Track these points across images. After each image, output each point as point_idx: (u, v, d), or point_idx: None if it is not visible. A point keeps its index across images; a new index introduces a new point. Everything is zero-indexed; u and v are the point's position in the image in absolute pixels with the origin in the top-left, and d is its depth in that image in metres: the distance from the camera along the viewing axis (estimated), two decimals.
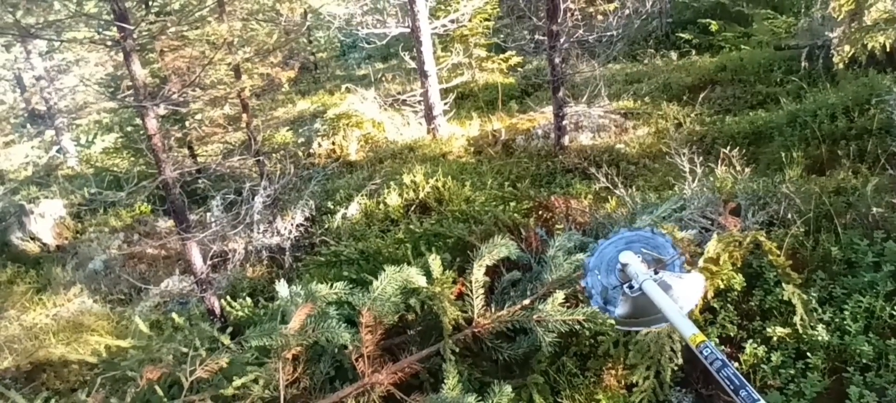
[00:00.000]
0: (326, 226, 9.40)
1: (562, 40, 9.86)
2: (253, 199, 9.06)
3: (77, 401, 4.83)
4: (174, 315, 5.56)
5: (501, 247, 5.45)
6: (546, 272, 5.42)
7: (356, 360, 4.90)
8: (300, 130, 15.02)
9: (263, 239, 9.42)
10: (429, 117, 13.13)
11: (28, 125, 23.18)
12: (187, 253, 6.53)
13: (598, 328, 4.60)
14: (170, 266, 10.46)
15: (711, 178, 6.83)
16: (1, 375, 8.39)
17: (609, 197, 7.47)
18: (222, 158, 9.58)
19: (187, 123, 11.46)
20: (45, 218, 12.32)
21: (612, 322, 4.48)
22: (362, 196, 9.33)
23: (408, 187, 9.02)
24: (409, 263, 6.04)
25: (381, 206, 9.00)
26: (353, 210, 9.22)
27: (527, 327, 4.97)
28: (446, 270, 5.27)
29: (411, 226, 7.46)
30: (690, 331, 1.63)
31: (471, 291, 5.11)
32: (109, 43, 5.68)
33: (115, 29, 5.57)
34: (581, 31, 11.36)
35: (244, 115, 9.59)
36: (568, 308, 4.87)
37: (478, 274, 5.19)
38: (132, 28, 5.38)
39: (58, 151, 18.89)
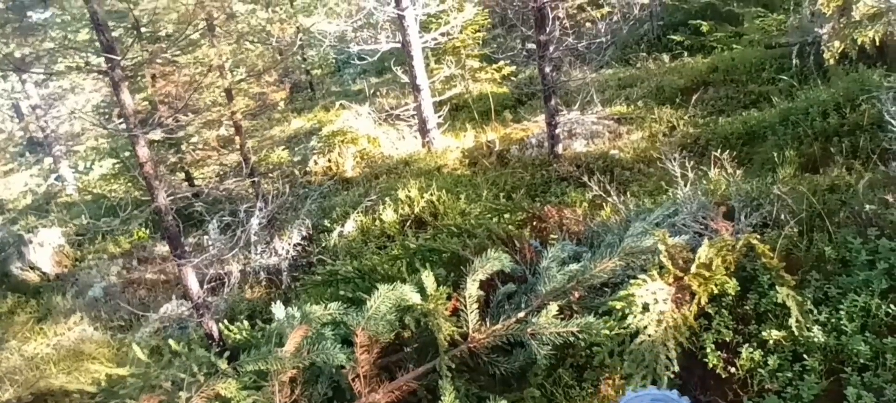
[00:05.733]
0: (323, 245, 9.40)
1: (551, 49, 9.88)
2: (249, 221, 9.07)
3: None
4: (171, 341, 5.56)
5: (495, 261, 5.46)
6: (540, 284, 5.41)
7: (353, 380, 4.89)
8: (296, 149, 15.05)
9: (261, 260, 9.42)
10: (423, 131, 13.14)
11: (27, 153, 23.25)
12: (184, 278, 6.53)
13: (593, 339, 4.59)
14: (169, 290, 10.47)
15: (704, 182, 6.81)
16: None
17: (604, 204, 7.47)
18: (218, 181, 9.59)
19: (183, 147, 11.48)
20: (43, 247, 12.34)
21: (606, 332, 4.54)
22: (358, 213, 9.34)
23: (403, 202, 9.02)
24: (403, 280, 6.04)
25: (377, 223, 9.01)
26: (350, 227, 9.22)
27: (523, 340, 4.97)
28: (440, 286, 5.27)
29: (406, 242, 7.46)
30: None
31: (465, 306, 5.11)
32: (98, 73, 5.70)
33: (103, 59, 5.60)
34: (571, 39, 11.38)
35: (237, 137, 9.61)
36: (562, 319, 4.87)
37: (472, 288, 5.19)
38: (119, 58, 5.40)
39: (56, 179, 18.94)
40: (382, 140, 14.27)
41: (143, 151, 5.82)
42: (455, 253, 6.22)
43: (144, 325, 8.96)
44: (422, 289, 5.28)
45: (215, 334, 6.80)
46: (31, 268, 12.17)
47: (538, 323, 4.75)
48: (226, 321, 6.54)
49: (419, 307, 5.12)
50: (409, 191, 9.09)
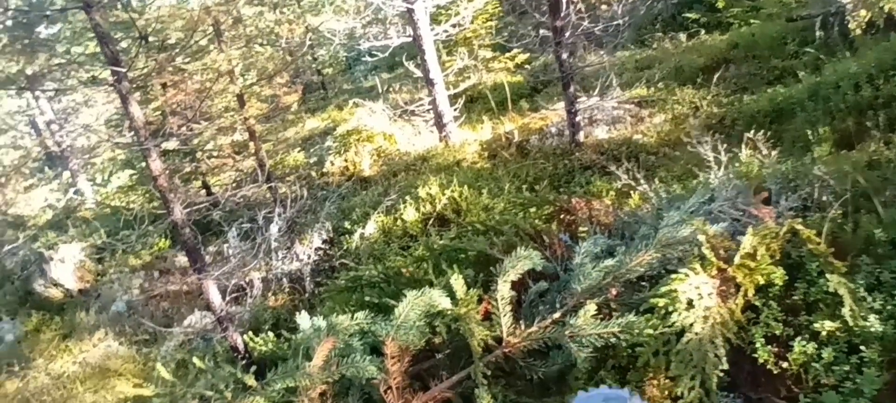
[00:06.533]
0: (345, 248, 9.24)
1: (567, 35, 9.62)
2: (268, 227, 8.92)
3: None
4: (195, 359, 5.41)
5: (525, 259, 5.24)
6: (574, 281, 5.19)
7: (385, 392, 4.72)
8: (311, 150, 14.90)
9: (283, 267, 9.28)
10: (439, 125, 12.92)
11: (46, 168, 23.33)
12: (205, 292, 6.39)
13: (636, 339, 4.37)
14: (192, 301, 10.36)
15: (736, 165, 6.54)
16: None
17: (631, 192, 7.23)
18: (235, 188, 9.45)
19: (197, 155, 11.37)
20: (65, 263, 12.31)
21: (650, 331, 4.32)
22: (379, 213, 9.16)
23: (424, 200, 8.84)
24: (430, 283, 5.85)
25: (399, 222, 8.83)
26: (371, 228, 9.05)
27: (560, 343, 4.77)
28: (470, 289, 5.07)
29: (430, 243, 7.28)
30: None
31: (498, 309, 4.91)
32: (106, 86, 5.56)
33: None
34: (586, 23, 11.09)
35: (252, 143, 9.46)
36: (601, 319, 4.66)
37: (503, 290, 4.99)
38: (124, 70, 5.25)
39: (75, 193, 18.95)
40: (398, 136, 14.06)
41: (155, 164, 5.67)
42: (482, 252, 6.02)
43: (169, 340, 8.86)
44: (451, 293, 5.08)
45: (240, 347, 6.66)
46: (54, 285, 12.15)
47: (577, 324, 4.54)
48: (250, 333, 6.39)
49: (450, 312, 4.93)
50: (430, 189, 8.90)
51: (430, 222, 8.49)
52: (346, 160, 13.30)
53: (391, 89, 17.59)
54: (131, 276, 11.37)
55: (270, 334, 6.21)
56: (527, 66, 16.24)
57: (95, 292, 11.72)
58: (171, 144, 9.57)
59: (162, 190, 5.71)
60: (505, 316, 4.79)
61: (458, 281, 5.01)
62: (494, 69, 15.97)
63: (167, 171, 5.84)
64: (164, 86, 9.56)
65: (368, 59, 15.64)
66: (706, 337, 4.24)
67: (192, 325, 8.99)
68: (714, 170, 6.44)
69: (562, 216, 6.79)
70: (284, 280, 9.32)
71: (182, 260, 11.34)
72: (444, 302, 4.93)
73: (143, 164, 12.41)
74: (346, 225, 9.76)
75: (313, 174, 12.71)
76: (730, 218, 5.32)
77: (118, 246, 9.03)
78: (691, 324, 4.27)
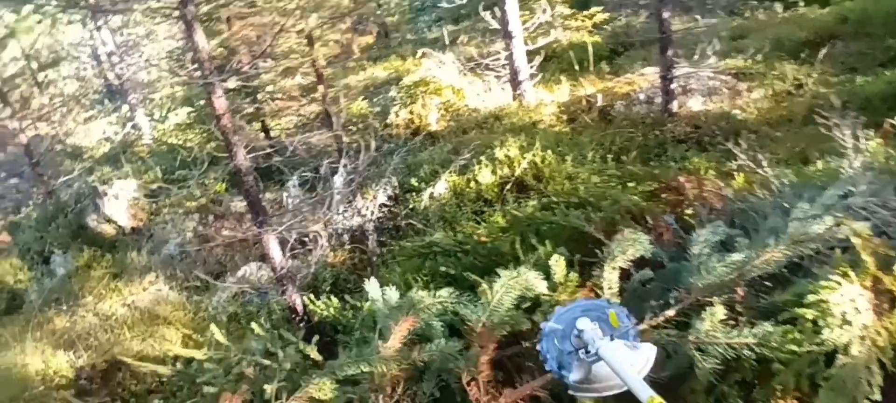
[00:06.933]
0: (411, 206, 8.63)
1: None
2: (332, 178, 8.33)
3: None
4: (255, 325, 4.86)
5: (635, 243, 4.50)
6: (689, 273, 4.44)
7: (468, 384, 4.09)
8: (375, 99, 14.27)
9: (344, 221, 8.69)
10: (514, 82, 12.10)
11: (106, 101, 23.28)
12: (265, 246, 5.83)
13: (772, 353, 3.62)
14: (246, 249, 9.90)
15: (868, 153, 5.63)
16: (78, 373, 8.05)
17: (733, 174, 6.39)
18: (296, 133, 8.87)
19: (259, 96, 10.83)
20: (119, 199, 11.99)
21: (794, 348, 3.56)
22: (450, 172, 8.49)
23: (501, 162, 8.13)
24: (517, 260, 5.18)
25: (472, 184, 8.16)
26: (441, 188, 8.40)
27: (673, 345, 4.05)
28: (569, 272, 4.39)
29: (514, 212, 6.58)
30: (647, 394, 1.67)
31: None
32: (169, 11, 4.98)
33: None
34: None
35: (320, 87, 8.82)
36: (729, 326, 3.92)
37: (611, 277, 4.25)
38: None
39: (133, 127, 18.77)
40: (467, 91, 13.30)
41: (220, 102, 5.07)
42: (577, 229, 5.29)
43: (221, 291, 8.42)
44: (546, 274, 4.38)
45: (299, 308, 6.12)
46: (107, 221, 11.85)
47: (702, 328, 3.80)
48: (311, 295, 5.82)
49: (547, 299, 4.24)
50: (509, 150, 8.18)
51: (508, 187, 7.80)
52: (411, 112, 12.61)
53: (460, 42, 16.80)
54: (185, 218, 10.98)
55: (333, 299, 5.62)
56: (606, 27, 15.21)
57: (148, 232, 11.38)
58: (232, 83, 9.05)
59: (225, 131, 5.12)
60: None
61: (558, 263, 4.32)
62: (571, 27, 15.01)
63: (230, 111, 5.24)
64: (228, 20, 8.99)
65: (438, 7, 14.82)
66: (862, 362, 3.48)
67: (246, 277, 8.53)
68: (849, 157, 5.55)
69: (664, 194, 6.00)
70: (345, 236, 8.76)
71: (238, 205, 10.89)
72: (541, 286, 4.23)
73: (202, 102, 12.02)
74: (413, 182, 9.14)
75: (377, 125, 12.06)
76: (878, 219, 4.47)
77: (173, 191, 8.62)
78: (847, 345, 3.51)
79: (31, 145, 13.06)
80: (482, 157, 8.52)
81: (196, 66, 5.06)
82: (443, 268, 5.69)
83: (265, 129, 11.58)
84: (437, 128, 12.19)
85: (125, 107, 19.64)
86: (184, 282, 9.60)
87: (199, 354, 5.13)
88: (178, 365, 5.95)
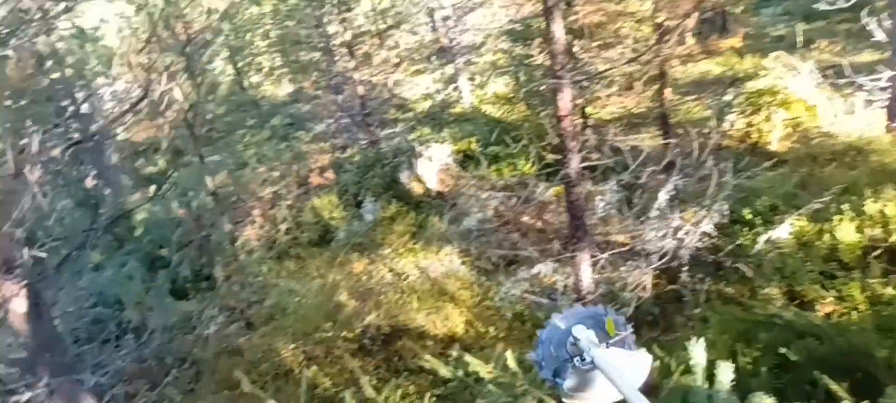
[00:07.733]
0: (739, 243, 7.33)
1: None
2: (657, 190, 7.33)
3: None
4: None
5: None
6: None
7: None
8: (705, 100, 12.77)
9: (657, 240, 7.66)
10: (893, 109, 9.80)
11: (433, 58, 24.61)
12: (575, 266, 5.12)
13: None
14: (544, 240, 9.38)
15: None
16: (364, 330, 8.24)
17: None
18: (623, 131, 7.98)
19: (583, 84, 10.13)
20: (432, 162, 12.33)
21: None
22: (799, 215, 6.99)
23: (872, 220, 6.45)
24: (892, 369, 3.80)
25: (826, 237, 6.60)
26: (783, 232, 6.95)
27: None
28: None
29: (880, 287, 5.07)
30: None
31: None
32: None
33: None
34: None
35: (659, 84, 7.80)
36: None
37: None
38: None
39: (454, 89, 19.42)
40: (820, 109, 11.22)
41: (565, 102, 4.42)
42: None
43: (512, 285, 7.99)
44: None
45: None
46: (417, 180, 12.25)
47: None
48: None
49: None
50: (885, 205, 6.46)
51: (876, 253, 6.13)
52: (749, 124, 10.97)
53: (818, 48, 14.40)
54: (489, 195, 10.82)
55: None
56: None
57: (452, 199, 11.48)
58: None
59: (564, 134, 4.47)
60: None
61: None
62: None
63: (573, 114, 4.56)
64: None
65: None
66: None
67: (539, 277, 7.99)
68: None
69: None
70: (653, 257, 7.73)
71: (544, 191, 10.40)
72: None
73: (524, 77, 11.70)
74: (746, 213, 7.78)
75: (715, 135, 10.64)
76: None
77: (482, 160, 8.31)
78: None
79: (366, 95, 14.04)
80: (845, 205, 6.88)
81: (547, 53, 4.44)
82: (781, 351, 4.46)
83: (583, 116, 10.87)
84: (778, 149, 10.42)
85: (450, 68, 20.40)
86: (475, 261, 9.44)
87: (484, 371, 4.62)
88: (460, 373, 5.58)
